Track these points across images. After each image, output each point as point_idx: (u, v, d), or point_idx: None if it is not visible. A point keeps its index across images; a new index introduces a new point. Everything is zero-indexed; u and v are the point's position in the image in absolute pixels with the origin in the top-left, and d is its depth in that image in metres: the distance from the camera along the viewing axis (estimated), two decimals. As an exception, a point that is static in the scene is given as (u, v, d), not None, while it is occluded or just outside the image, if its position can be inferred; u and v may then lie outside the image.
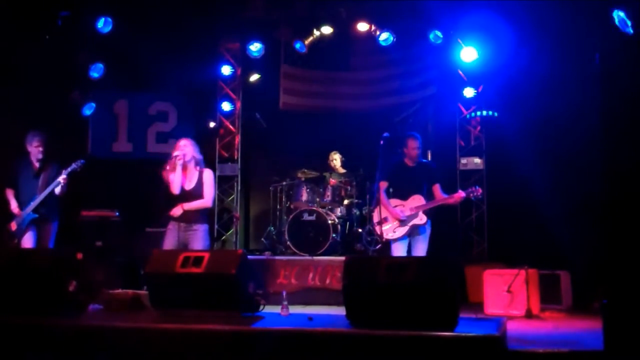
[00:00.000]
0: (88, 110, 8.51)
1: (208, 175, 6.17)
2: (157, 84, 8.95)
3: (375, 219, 6.72)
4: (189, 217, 6.05)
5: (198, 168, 6.16)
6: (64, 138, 7.87)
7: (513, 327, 5.26)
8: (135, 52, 8.09)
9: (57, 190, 6.65)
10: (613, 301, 4.05)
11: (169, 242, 6.05)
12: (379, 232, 6.65)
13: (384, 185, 6.74)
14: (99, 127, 9.10)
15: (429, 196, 6.72)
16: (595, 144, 4.59)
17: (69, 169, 6.61)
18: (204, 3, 8.20)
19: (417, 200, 6.64)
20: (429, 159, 8.63)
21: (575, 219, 7.27)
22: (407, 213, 6.59)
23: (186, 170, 6.10)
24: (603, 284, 4.33)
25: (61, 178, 6.58)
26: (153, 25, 8.21)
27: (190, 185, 6.11)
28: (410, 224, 6.60)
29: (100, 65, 8.21)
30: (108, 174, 8.05)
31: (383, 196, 6.71)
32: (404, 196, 6.66)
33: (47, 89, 8.13)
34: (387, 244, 6.75)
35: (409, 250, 6.65)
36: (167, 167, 6.04)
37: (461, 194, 6.66)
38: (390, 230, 6.65)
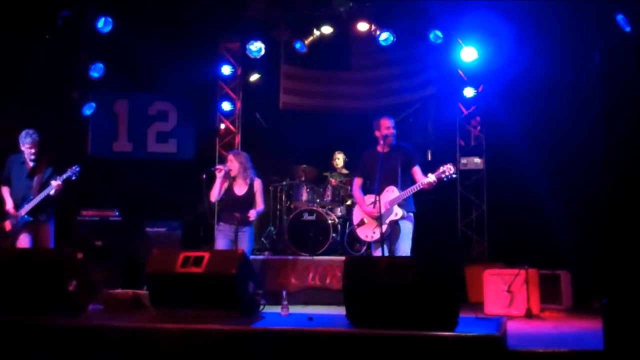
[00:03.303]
0: (88, 110, 8.51)
1: (258, 184, 6.79)
2: (157, 84, 8.96)
3: (355, 221, 6.28)
4: (241, 220, 6.58)
5: (248, 178, 6.76)
6: (64, 138, 7.88)
7: (513, 327, 5.26)
8: (135, 52, 8.10)
9: (52, 192, 6.60)
10: (613, 301, 4.05)
11: (221, 242, 6.62)
12: (359, 235, 6.27)
13: (358, 181, 6.33)
14: (99, 127, 9.09)
15: (408, 183, 6.01)
16: (595, 144, 4.58)
17: (64, 176, 6.57)
18: (204, 3, 8.20)
19: (391, 192, 5.96)
20: (429, 159, 8.63)
21: (575, 219, 7.27)
22: (382, 210, 5.86)
23: (235, 181, 6.76)
24: (603, 284, 4.32)
25: (55, 184, 6.53)
26: (153, 25, 8.21)
27: (241, 191, 6.73)
28: (387, 221, 5.93)
29: (100, 65, 8.21)
30: (108, 174, 8.05)
31: (357, 194, 6.30)
32: (379, 190, 5.92)
33: (47, 89, 8.13)
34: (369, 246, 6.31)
35: (391, 251, 5.97)
36: (217, 174, 6.69)
37: (431, 178, 5.81)
38: (369, 232, 6.08)
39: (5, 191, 6.71)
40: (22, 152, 6.73)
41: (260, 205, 6.73)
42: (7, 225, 6.58)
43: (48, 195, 6.60)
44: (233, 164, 6.74)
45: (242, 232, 6.59)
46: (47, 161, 6.79)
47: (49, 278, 5.02)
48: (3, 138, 7.50)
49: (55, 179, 6.55)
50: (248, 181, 6.74)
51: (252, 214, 6.61)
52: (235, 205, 6.65)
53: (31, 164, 6.73)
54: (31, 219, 6.61)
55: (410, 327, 4.22)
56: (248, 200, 6.70)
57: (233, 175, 6.74)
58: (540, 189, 7.60)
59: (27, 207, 6.59)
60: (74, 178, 6.62)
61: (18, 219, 6.58)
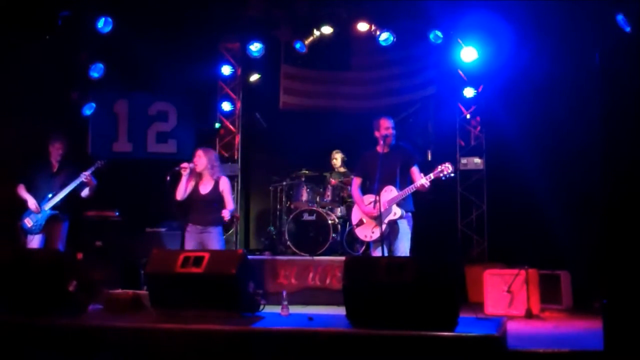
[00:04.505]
0: (88, 110, 8.52)
1: (224, 182, 6.57)
2: (157, 84, 8.95)
3: (354, 221, 6.29)
4: (206, 220, 6.43)
5: (215, 175, 6.55)
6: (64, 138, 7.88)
7: (513, 327, 5.26)
8: (135, 52, 8.09)
9: (85, 192, 6.86)
10: (613, 301, 4.05)
11: (189, 243, 6.41)
12: (358, 235, 6.29)
13: (357, 181, 6.34)
14: (99, 127, 9.09)
15: (406, 183, 6.06)
16: (595, 144, 4.58)
17: (93, 168, 6.82)
18: (203, 3, 8.20)
19: (390, 192, 6.00)
20: (429, 159, 8.63)
21: (575, 219, 7.27)
22: (381, 209, 5.89)
23: (201, 179, 6.54)
24: (603, 284, 4.32)
25: (83, 176, 6.73)
26: (153, 26, 8.20)
27: (205, 190, 6.51)
28: (386, 221, 5.96)
29: (100, 65, 8.21)
30: (108, 174, 8.03)
31: (356, 194, 6.30)
32: (378, 190, 5.95)
33: (47, 89, 8.13)
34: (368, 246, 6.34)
35: (390, 251, 6.00)
36: (182, 172, 6.48)
37: (424, 181, 5.88)
38: (368, 232, 6.12)
39: (22, 189, 6.85)
40: (48, 155, 6.98)
41: (230, 204, 6.49)
42: (29, 221, 6.71)
43: (71, 195, 6.80)
44: (201, 159, 6.52)
45: (208, 233, 6.40)
46: (71, 161, 7.04)
47: (49, 278, 5.02)
48: (3, 138, 7.52)
49: (81, 175, 6.75)
50: (214, 178, 6.52)
51: (226, 214, 6.36)
52: (199, 205, 6.45)
53: (56, 164, 6.95)
54: (56, 212, 6.79)
55: (410, 327, 4.22)
56: (213, 199, 6.45)
57: (199, 172, 6.50)
58: (540, 189, 7.60)
59: (52, 202, 6.77)
60: (102, 167, 6.90)
61: (41, 214, 6.73)
